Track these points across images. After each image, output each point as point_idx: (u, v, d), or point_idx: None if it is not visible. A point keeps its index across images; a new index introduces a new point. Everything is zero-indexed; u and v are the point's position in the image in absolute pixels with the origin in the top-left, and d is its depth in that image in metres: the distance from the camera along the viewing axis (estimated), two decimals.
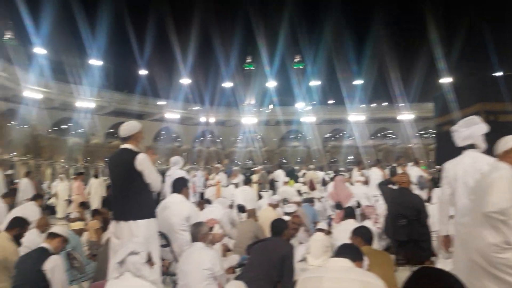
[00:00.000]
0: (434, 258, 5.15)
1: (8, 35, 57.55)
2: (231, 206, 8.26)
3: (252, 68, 69.25)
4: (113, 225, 3.72)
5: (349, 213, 5.69)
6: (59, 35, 39.62)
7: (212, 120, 45.69)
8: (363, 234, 3.55)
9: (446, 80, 42.47)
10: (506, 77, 21.82)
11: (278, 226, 3.75)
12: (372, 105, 48.64)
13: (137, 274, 2.65)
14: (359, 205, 7.24)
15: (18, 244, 4.18)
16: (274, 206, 7.02)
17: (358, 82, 48.64)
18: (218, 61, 45.99)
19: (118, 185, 3.69)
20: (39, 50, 36.90)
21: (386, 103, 48.44)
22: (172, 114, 42.97)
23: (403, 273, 4.90)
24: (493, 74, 27.51)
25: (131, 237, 3.44)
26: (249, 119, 46.01)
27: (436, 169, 12.60)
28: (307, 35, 53.78)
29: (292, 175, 14.28)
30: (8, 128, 26.06)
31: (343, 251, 2.38)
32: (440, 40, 41.69)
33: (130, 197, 3.56)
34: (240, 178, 11.93)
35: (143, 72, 45.34)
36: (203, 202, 8.04)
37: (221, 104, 47.49)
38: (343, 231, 4.18)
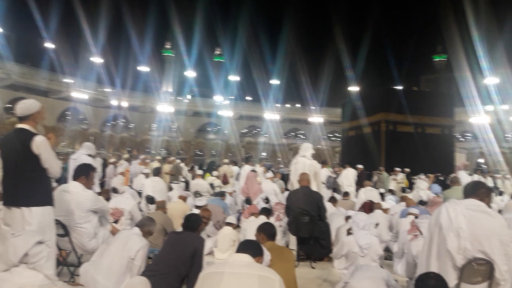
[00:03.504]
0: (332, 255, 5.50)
1: None
2: (139, 196, 8.01)
3: (171, 54, 67.04)
4: (3, 211, 3.39)
5: (264, 210, 5.88)
6: None
7: (125, 104, 43.45)
8: (266, 230, 3.66)
9: (353, 88, 45.91)
10: (405, 91, 24.38)
11: (193, 220, 3.71)
12: (286, 105, 50.61)
13: (35, 265, 2.46)
14: (267, 201, 7.48)
15: None
16: (185, 198, 6.96)
17: (274, 82, 50.15)
18: (133, 43, 43.40)
19: (11, 167, 3.35)
20: None
21: (299, 105, 50.79)
22: (80, 94, 39.89)
23: (304, 269, 5.21)
24: (394, 88, 30.48)
25: (23, 224, 3.18)
26: (165, 107, 44.75)
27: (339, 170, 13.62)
28: (225, 30, 53.54)
29: (210, 168, 14.31)
30: None
31: (244, 247, 2.46)
32: (348, 50, 44.98)
33: (24, 181, 3.28)
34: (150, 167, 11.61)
35: (49, 45, 41.33)
36: (107, 191, 7.67)
37: (136, 89, 45.40)
38: (253, 227, 4.28)
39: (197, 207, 5.83)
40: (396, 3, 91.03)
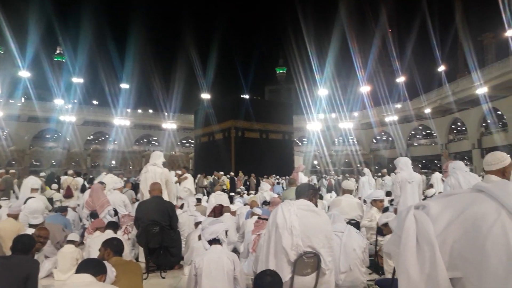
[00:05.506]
0: (182, 262, 5.55)
1: None
2: None
3: (0, 51, 58.07)
4: None
5: (110, 224, 5.55)
6: None
7: None
8: (113, 245, 3.50)
9: (205, 96, 47.23)
10: (251, 100, 26.29)
11: (24, 242, 3.29)
12: (138, 110, 48.68)
13: None
14: (116, 213, 7.10)
15: None
16: (16, 216, 6.08)
17: (124, 86, 47.87)
18: None
19: None
20: None
21: (152, 111, 49.50)
22: None
23: (154, 280, 5.12)
24: (242, 96, 32.57)
25: None
26: None
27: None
28: (67, 27, 48.64)
29: (49, 180, 12.85)
30: None
31: (85, 266, 2.34)
32: (200, 59, 46.36)
33: None
34: None
35: None
36: None
37: None
38: (98, 243, 4.01)
39: (31, 225, 5.18)
40: (243, 19, 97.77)
